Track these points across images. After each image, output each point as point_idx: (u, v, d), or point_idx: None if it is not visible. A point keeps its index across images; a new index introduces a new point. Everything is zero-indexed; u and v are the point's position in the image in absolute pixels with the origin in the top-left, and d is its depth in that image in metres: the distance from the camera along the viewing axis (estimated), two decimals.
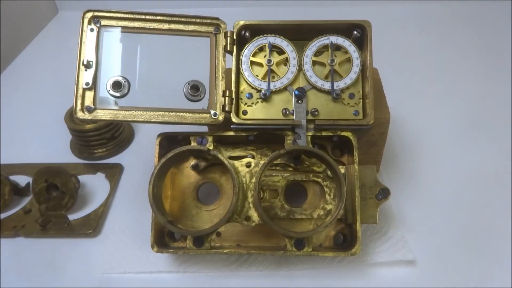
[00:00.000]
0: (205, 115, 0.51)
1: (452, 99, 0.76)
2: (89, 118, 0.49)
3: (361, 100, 0.51)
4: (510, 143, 0.67)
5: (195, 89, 0.51)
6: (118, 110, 0.50)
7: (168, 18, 0.52)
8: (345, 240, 0.51)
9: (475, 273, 0.51)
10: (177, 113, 0.51)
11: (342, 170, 0.49)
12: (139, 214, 0.57)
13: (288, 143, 0.50)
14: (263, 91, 0.51)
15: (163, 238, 0.52)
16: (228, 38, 0.52)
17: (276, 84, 0.52)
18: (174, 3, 1.04)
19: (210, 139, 0.51)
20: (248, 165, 0.51)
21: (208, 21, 0.52)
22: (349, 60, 0.52)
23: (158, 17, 0.51)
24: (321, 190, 0.52)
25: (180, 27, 0.52)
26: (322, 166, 0.52)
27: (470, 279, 0.50)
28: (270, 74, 0.52)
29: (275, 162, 0.52)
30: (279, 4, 1.06)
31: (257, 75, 0.52)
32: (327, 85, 0.51)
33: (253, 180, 0.50)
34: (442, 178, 0.62)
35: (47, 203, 0.58)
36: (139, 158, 0.68)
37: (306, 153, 0.51)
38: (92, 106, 0.49)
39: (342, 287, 0.50)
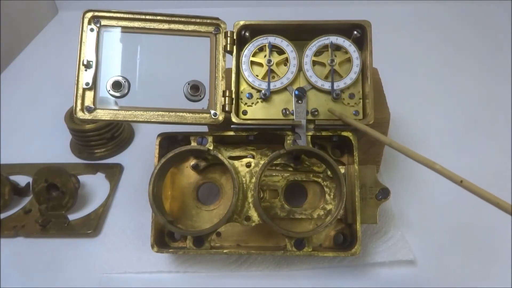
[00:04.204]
0: (205, 115, 0.51)
1: (452, 99, 0.76)
2: (89, 118, 0.49)
3: (361, 100, 0.51)
4: (510, 143, 0.67)
5: (195, 89, 0.51)
6: (118, 110, 0.50)
7: (168, 18, 0.52)
8: (345, 240, 0.51)
9: (475, 273, 0.51)
10: (177, 113, 0.51)
11: (342, 170, 0.49)
12: (139, 214, 0.57)
13: (288, 143, 0.50)
14: (263, 91, 0.51)
15: (163, 238, 0.52)
16: (228, 38, 0.52)
17: (276, 84, 0.52)
18: (174, 3, 1.04)
19: (210, 139, 0.51)
20: (248, 165, 0.51)
21: (208, 21, 0.52)
22: (349, 60, 0.52)
23: (158, 17, 0.51)
24: (321, 190, 0.52)
25: (180, 27, 0.52)
26: (322, 166, 0.52)
27: (470, 279, 0.50)
28: (270, 74, 0.52)
29: (275, 162, 0.52)
30: (279, 4, 1.06)
31: (257, 75, 0.52)
32: (327, 85, 0.51)
33: (253, 180, 0.50)
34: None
35: (47, 203, 0.58)
36: (139, 158, 0.68)
37: (306, 153, 0.51)
38: (92, 106, 0.49)
39: (342, 287, 0.50)
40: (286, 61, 0.52)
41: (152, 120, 0.50)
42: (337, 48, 0.52)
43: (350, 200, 0.49)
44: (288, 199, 0.52)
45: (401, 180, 0.62)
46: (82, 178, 0.63)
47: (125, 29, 0.51)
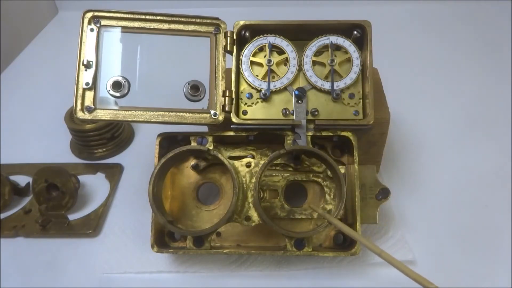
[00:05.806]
0: (205, 115, 0.51)
1: (452, 99, 0.76)
2: (89, 118, 0.49)
3: (361, 100, 0.51)
4: (510, 143, 0.67)
5: (195, 89, 0.51)
6: (118, 110, 0.50)
7: (168, 18, 0.52)
8: (345, 240, 0.51)
9: (475, 273, 0.51)
10: (177, 113, 0.51)
11: (342, 170, 0.49)
12: (139, 214, 0.57)
13: (288, 143, 0.50)
14: (263, 91, 0.51)
15: (163, 238, 0.52)
16: (228, 38, 0.52)
17: (276, 84, 0.52)
18: (174, 3, 1.04)
19: (210, 139, 0.51)
20: (248, 165, 0.51)
21: (208, 21, 0.52)
22: (349, 60, 0.52)
23: (158, 17, 0.51)
24: (321, 190, 0.52)
25: (180, 27, 0.52)
26: (322, 166, 0.52)
27: (470, 279, 0.50)
28: (270, 74, 0.52)
29: (275, 162, 0.52)
30: (279, 4, 1.06)
31: (257, 75, 0.52)
32: (327, 85, 0.51)
33: (253, 180, 0.50)
34: (442, 178, 0.62)
35: (47, 203, 0.58)
36: (139, 158, 0.68)
37: (306, 153, 0.51)
38: (92, 106, 0.49)
39: (342, 287, 0.50)
40: (286, 61, 0.52)
41: (152, 120, 0.50)
42: (337, 48, 0.52)
43: (350, 200, 0.49)
44: (288, 199, 0.52)
45: (401, 180, 0.62)
46: (82, 178, 0.63)
47: (125, 29, 0.51)
